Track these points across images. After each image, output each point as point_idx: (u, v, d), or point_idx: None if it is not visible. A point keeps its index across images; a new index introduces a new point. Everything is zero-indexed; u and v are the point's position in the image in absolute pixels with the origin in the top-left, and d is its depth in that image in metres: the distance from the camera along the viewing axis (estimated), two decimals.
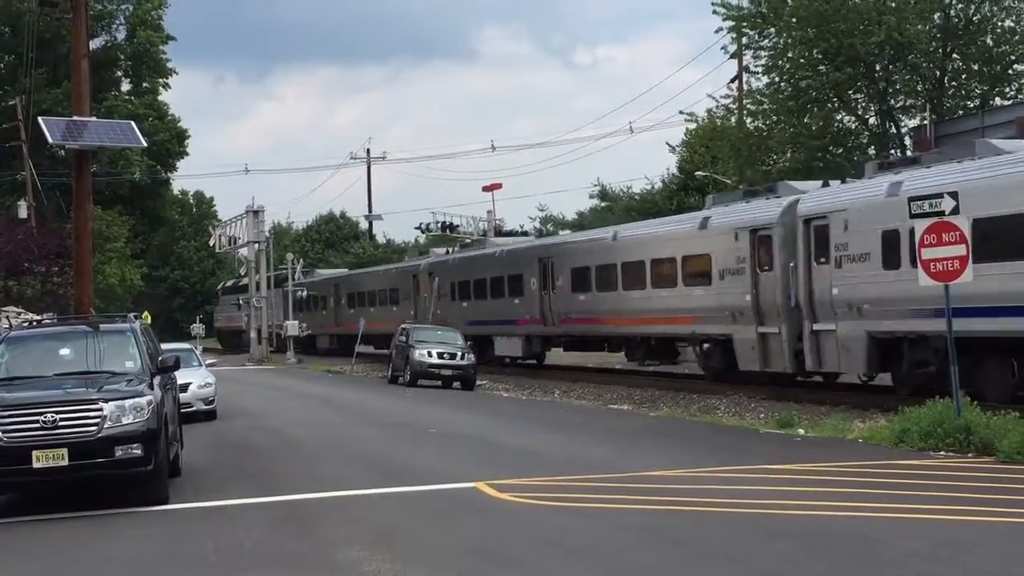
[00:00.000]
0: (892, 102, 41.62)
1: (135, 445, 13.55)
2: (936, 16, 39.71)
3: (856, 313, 25.07)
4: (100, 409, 13.53)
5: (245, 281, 75.06)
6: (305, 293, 64.58)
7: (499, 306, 43.49)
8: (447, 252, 54.67)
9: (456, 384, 35.98)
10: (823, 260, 26.17)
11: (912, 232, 20.43)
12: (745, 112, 45.89)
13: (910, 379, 24.50)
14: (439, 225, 68.64)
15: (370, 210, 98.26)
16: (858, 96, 42.39)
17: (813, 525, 11.44)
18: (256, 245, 61.32)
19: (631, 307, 34.58)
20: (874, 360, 25.13)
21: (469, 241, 57.59)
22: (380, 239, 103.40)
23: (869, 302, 24.63)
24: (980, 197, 21.01)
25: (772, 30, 41.55)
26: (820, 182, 30.26)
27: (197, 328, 71.47)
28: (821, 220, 26.30)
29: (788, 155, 44.03)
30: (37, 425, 13.28)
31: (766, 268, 28.31)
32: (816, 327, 26.37)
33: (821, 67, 40.50)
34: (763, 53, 42.82)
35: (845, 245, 25.36)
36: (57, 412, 13.37)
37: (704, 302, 30.58)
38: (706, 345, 32.12)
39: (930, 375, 23.61)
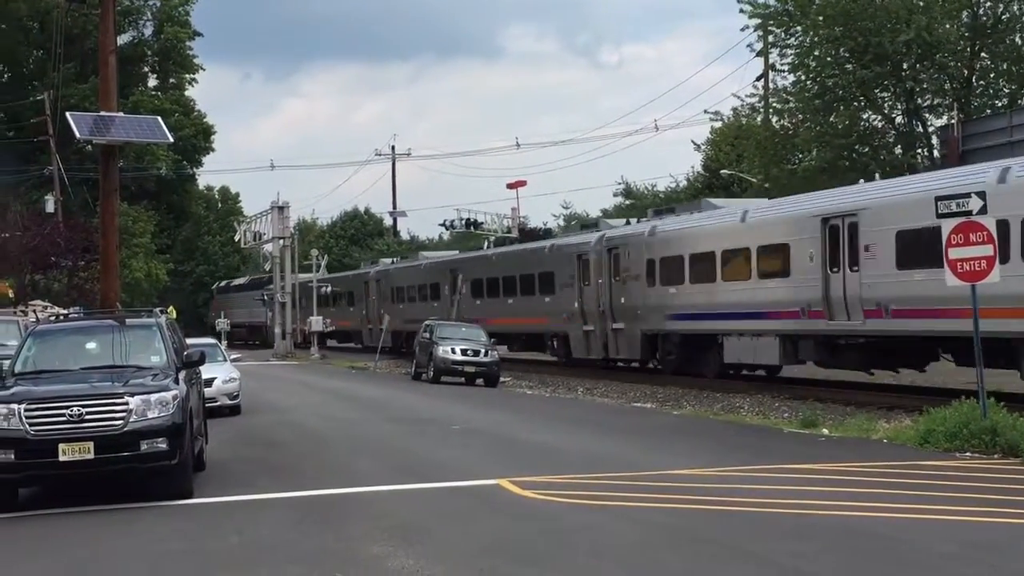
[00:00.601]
0: (919, 101, 41.36)
1: (160, 439, 13.60)
2: (964, 14, 39.47)
3: (634, 316, 35.22)
4: (126, 403, 13.59)
5: (236, 282, 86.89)
6: (329, 289, 64.92)
7: (423, 308, 52.46)
8: (392, 262, 64.20)
9: (479, 381, 35.99)
10: (617, 278, 36.40)
11: (662, 260, 33.79)
12: (771, 110, 45.76)
13: (666, 364, 34.74)
14: (463, 222, 68.66)
15: (395, 206, 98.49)
16: (885, 95, 42.15)
17: (838, 525, 11.39)
18: (281, 241, 61.47)
19: (508, 310, 45.24)
20: (646, 350, 35.70)
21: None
22: (404, 235, 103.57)
23: (640, 309, 34.82)
24: (692, 239, 32.55)
25: (799, 28, 41.40)
26: (625, 220, 42.04)
27: (222, 323, 71.67)
28: (616, 249, 36.78)
29: (814, 154, 43.85)
30: (63, 418, 13.35)
31: (587, 283, 38.56)
32: (614, 326, 36.61)
33: (848, 65, 40.29)
34: (789, 51, 42.67)
35: (628, 268, 35.67)
36: (83, 406, 13.45)
37: (550, 307, 41.15)
38: (555, 340, 42.30)
39: (674, 360, 34.19)
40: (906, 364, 26.99)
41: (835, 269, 26.32)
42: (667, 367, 34.55)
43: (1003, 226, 19.93)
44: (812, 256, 26.85)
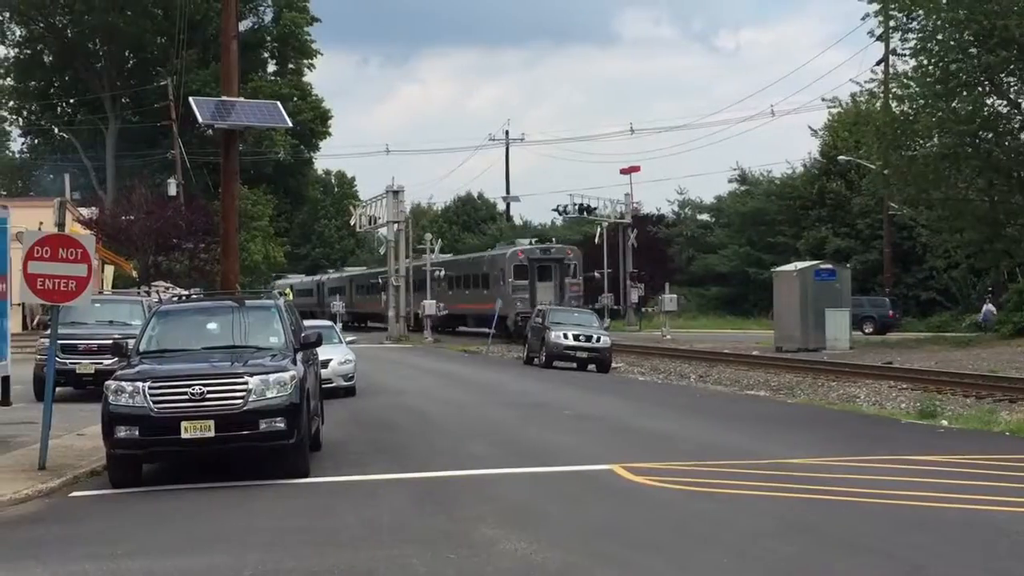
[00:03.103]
0: None
1: (278, 419, 13.82)
2: None
3: (360, 309, 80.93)
4: (245, 383, 13.83)
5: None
6: (443, 272, 65.35)
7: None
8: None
9: (591, 367, 35.93)
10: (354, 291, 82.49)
11: (357, 287, 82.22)
12: (891, 95, 44.86)
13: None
14: (577, 207, 68.57)
15: (508, 191, 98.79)
16: (1010, 79, 41.08)
17: (958, 518, 11.17)
18: (395, 225, 61.99)
19: (355, 303, 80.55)
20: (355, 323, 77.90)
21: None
22: (517, 220, 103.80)
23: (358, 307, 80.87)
24: (357, 279, 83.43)
25: (921, 12, 40.52)
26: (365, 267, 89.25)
27: (337, 305, 72.67)
28: (352, 281, 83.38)
29: (935, 140, 42.93)
30: (186, 397, 13.65)
31: (344, 294, 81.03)
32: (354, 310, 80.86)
33: (972, 49, 39.35)
34: (911, 35, 41.80)
35: (357, 288, 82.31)
36: (205, 385, 13.73)
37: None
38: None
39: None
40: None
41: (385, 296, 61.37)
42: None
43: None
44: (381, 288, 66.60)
